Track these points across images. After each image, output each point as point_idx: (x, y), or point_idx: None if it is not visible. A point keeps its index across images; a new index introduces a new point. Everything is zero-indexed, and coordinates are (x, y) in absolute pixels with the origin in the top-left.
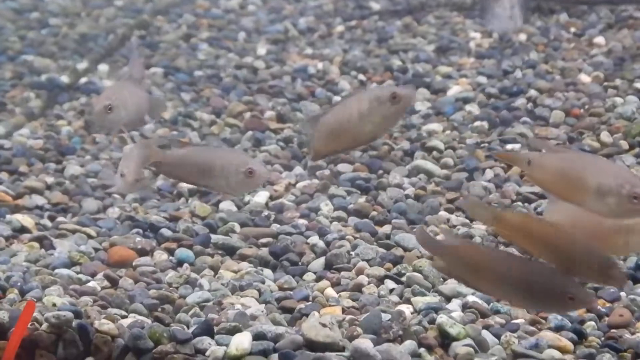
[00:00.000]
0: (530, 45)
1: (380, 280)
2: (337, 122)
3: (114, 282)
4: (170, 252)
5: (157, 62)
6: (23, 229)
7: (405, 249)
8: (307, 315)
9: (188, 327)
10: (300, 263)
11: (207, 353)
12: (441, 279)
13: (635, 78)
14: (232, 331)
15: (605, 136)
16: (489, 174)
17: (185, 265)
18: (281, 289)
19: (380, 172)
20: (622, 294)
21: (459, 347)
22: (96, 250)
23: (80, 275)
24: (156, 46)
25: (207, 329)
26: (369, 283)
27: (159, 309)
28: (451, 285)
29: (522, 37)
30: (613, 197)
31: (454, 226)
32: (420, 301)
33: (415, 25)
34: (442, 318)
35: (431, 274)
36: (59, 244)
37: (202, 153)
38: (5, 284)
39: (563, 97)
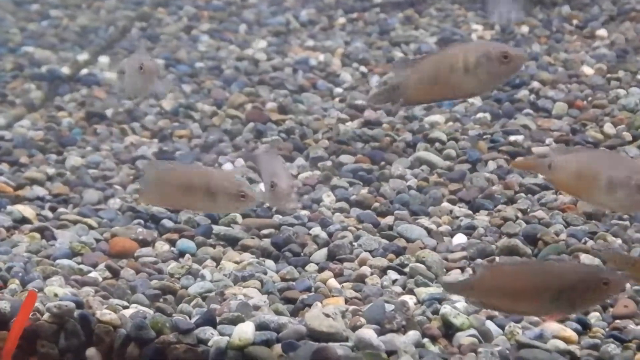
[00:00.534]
0: (532, 38)
1: (383, 271)
2: (437, 70)
3: (115, 273)
4: (172, 243)
5: (158, 54)
6: (24, 220)
7: (408, 240)
8: (309, 305)
9: (190, 318)
10: (302, 254)
11: (210, 343)
12: (444, 270)
13: (638, 70)
14: (235, 321)
15: (608, 128)
16: (492, 165)
17: (187, 255)
18: (283, 279)
19: (383, 163)
20: (627, 285)
21: (463, 338)
22: (97, 241)
23: (82, 266)
24: (157, 38)
25: (210, 319)
26: (371, 274)
27: (161, 300)
28: (454, 275)
29: (525, 29)
30: (623, 190)
31: (457, 217)
32: (424, 292)
33: (417, 18)
34: (445, 308)
35: (434, 265)
36: (60, 234)
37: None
38: (7, 274)
39: (566, 89)
